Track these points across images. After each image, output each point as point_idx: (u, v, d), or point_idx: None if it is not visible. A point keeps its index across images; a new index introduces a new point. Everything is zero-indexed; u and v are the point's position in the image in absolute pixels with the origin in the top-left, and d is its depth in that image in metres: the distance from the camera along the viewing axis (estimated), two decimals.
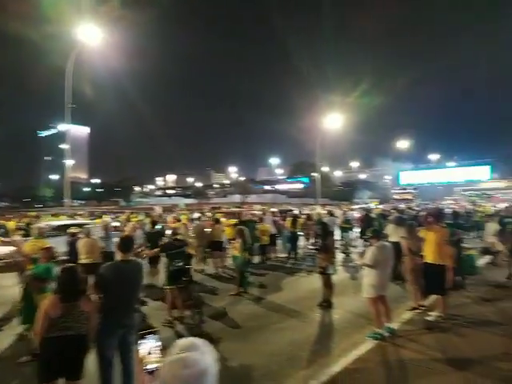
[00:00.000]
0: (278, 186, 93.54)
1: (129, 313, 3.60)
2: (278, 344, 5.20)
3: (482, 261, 10.39)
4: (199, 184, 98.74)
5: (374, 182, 78.12)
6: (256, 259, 11.39)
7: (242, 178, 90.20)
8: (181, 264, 5.89)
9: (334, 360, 4.58)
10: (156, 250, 6.47)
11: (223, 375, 1.30)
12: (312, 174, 63.93)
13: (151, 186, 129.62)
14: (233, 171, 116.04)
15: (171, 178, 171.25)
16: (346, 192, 65.98)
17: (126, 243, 3.69)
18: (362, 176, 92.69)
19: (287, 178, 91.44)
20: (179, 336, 5.61)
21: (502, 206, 26.08)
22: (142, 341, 1.49)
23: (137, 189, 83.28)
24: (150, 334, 1.51)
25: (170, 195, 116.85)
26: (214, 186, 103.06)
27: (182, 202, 62.33)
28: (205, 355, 1.24)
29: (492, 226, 11.09)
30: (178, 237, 6.32)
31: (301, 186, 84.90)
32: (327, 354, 4.83)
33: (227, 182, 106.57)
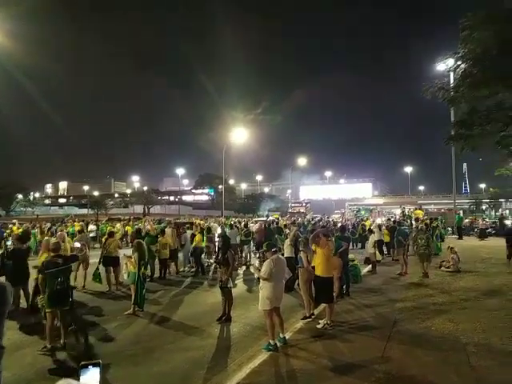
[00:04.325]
0: (184, 197, 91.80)
1: None
2: (173, 364, 5.00)
3: (365, 270, 11.67)
4: (96, 193, 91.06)
5: (277, 196, 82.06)
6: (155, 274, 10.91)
7: (145, 188, 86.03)
8: (64, 283, 5.26)
9: (229, 376, 4.57)
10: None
11: None
12: (218, 186, 64.41)
13: (39, 194, 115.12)
14: (135, 180, 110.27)
15: (63, 185, 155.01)
16: (250, 205, 67.81)
17: None
18: (267, 189, 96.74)
19: (193, 189, 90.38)
20: (61, 366, 4.99)
21: (383, 219, 29.74)
22: (82, 373, 1.23)
23: (20, 196, 72.88)
24: (90, 365, 1.26)
25: (61, 204, 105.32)
26: (115, 195, 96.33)
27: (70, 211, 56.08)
28: None
29: (373, 238, 12.55)
30: (62, 252, 5.66)
31: (207, 197, 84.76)
32: (223, 370, 4.80)
33: (129, 191, 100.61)
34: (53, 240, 7.28)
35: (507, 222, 26.35)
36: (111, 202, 71.40)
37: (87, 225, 23.09)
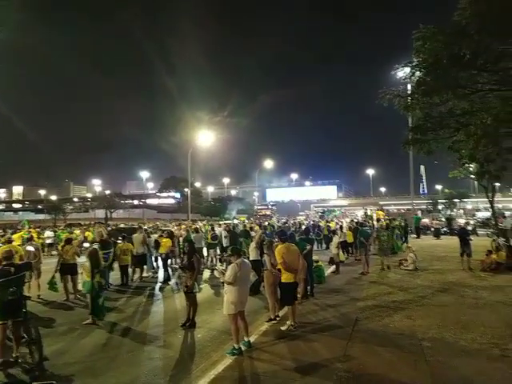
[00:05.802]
0: (149, 201, 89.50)
1: None
2: (134, 374, 4.83)
3: (329, 270, 11.91)
4: (54, 197, 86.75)
5: (244, 198, 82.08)
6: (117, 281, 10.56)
7: (107, 192, 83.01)
8: (16, 293, 4.95)
9: (192, 383, 4.49)
10: None
11: None
12: (184, 189, 63.39)
13: None
14: (96, 184, 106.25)
15: (18, 189, 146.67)
16: (216, 208, 67.25)
17: None
18: (234, 192, 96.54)
19: (158, 193, 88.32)
20: (14, 381, 4.70)
21: (347, 220, 30.58)
22: None
23: None
24: None
25: (16, 210, 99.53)
26: (74, 199, 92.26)
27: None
28: None
29: (336, 239, 12.85)
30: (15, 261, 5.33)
31: (172, 201, 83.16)
32: (186, 377, 4.71)
33: (89, 195, 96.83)
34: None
35: (461, 222, 28.03)
36: (70, 207, 68.29)
37: (43, 231, 21.97)
